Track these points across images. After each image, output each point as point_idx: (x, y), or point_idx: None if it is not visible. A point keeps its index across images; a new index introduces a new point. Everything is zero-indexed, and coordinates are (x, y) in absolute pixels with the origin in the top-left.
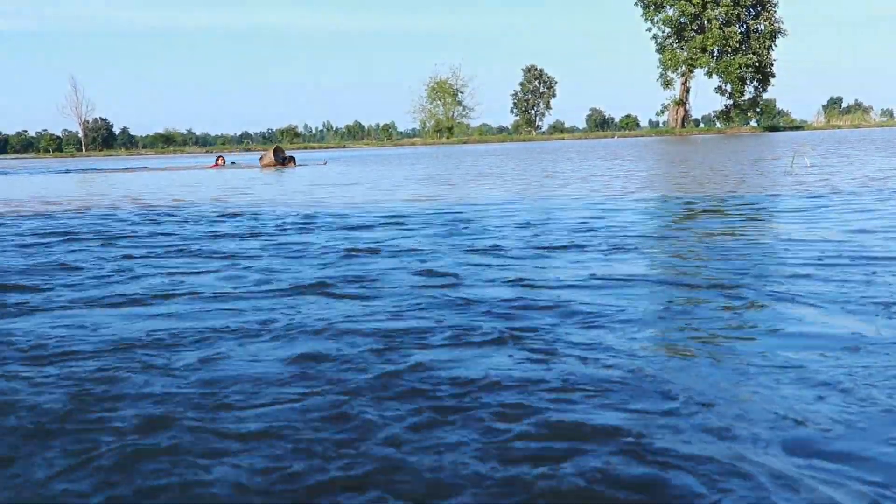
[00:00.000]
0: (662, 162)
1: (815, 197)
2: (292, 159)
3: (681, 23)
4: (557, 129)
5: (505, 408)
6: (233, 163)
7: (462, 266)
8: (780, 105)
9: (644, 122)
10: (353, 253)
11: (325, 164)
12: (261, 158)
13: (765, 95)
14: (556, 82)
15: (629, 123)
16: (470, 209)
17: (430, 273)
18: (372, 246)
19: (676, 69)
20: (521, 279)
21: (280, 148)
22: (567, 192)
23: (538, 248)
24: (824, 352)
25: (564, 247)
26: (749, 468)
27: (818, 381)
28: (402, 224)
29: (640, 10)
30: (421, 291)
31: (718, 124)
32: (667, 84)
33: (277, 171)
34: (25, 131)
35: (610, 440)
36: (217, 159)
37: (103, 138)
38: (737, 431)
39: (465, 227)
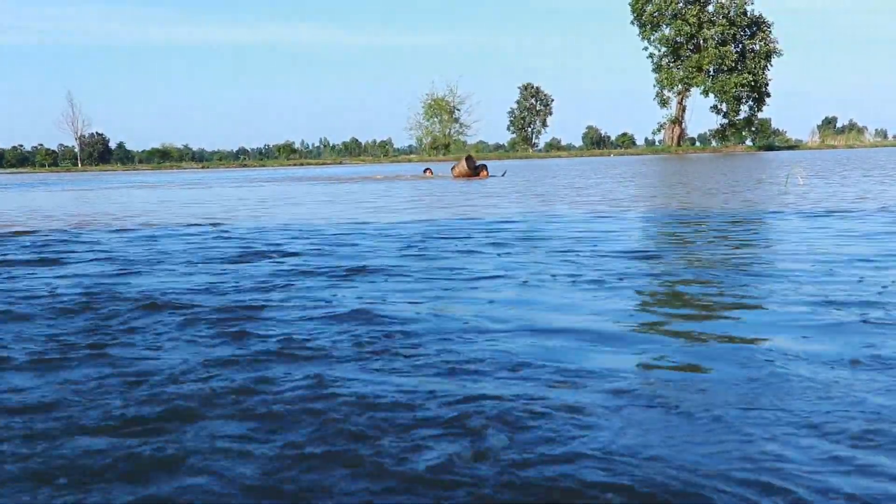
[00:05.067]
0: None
1: (808, 214)
2: (484, 167)
3: (677, 42)
4: (554, 146)
5: None
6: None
7: None
8: (775, 124)
9: (640, 141)
10: None
11: (503, 174)
12: (452, 168)
13: (760, 115)
14: (552, 100)
15: (625, 142)
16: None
17: None
18: None
19: (672, 88)
20: None
21: (471, 157)
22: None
23: None
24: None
25: None
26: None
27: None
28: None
29: (636, 30)
30: None
31: (714, 143)
32: (663, 103)
33: (470, 180)
34: (21, 146)
35: None
36: (426, 170)
37: (99, 153)
38: None
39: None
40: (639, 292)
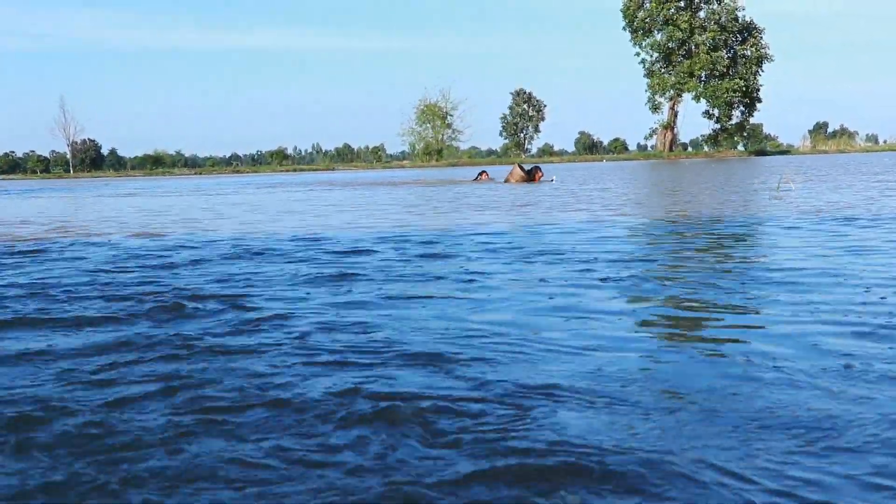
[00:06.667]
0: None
1: (800, 219)
2: (538, 169)
3: (669, 48)
4: (546, 151)
5: None
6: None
7: None
8: (766, 129)
9: (632, 146)
10: None
11: (552, 180)
12: (506, 179)
13: (752, 120)
14: (544, 105)
15: (617, 147)
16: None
17: None
18: None
19: (664, 93)
20: None
21: (520, 165)
22: None
23: None
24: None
25: None
26: None
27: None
28: None
29: (628, 35)
30: None
31: (706, 148)
32: (655, 108)
33: (531, 185)
34: (13, 152)
35: None
36: (482, 174)
37: (91, 159)
38: None
39: None
40: (631, 293)
